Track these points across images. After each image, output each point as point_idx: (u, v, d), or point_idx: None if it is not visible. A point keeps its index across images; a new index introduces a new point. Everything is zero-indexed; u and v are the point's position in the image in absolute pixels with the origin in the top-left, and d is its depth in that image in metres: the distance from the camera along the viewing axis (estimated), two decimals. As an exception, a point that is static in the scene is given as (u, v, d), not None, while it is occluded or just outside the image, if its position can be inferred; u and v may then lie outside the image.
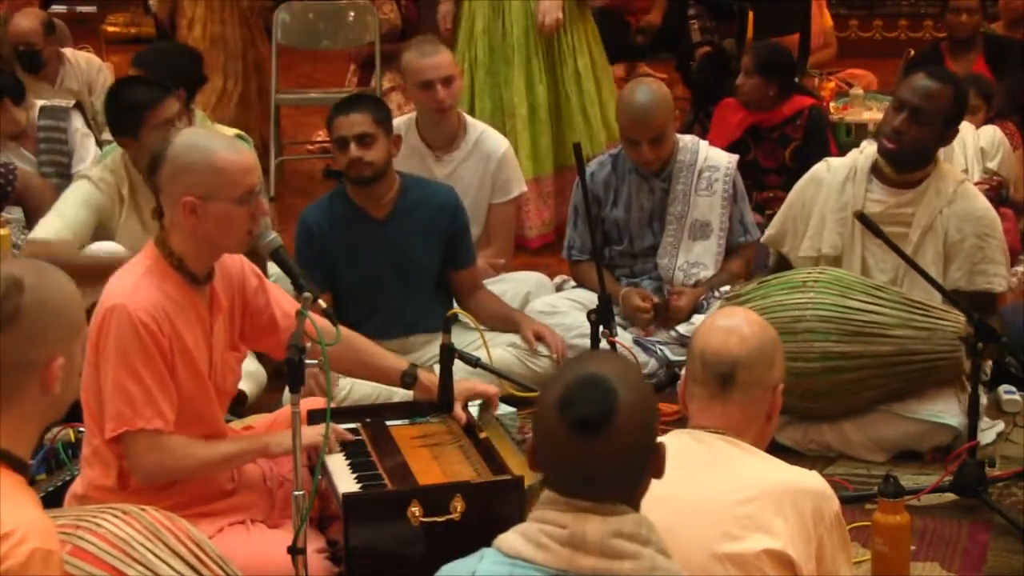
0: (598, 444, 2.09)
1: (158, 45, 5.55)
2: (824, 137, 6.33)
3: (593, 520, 2.09)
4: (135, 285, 3.15)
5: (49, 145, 5.73)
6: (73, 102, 5.96)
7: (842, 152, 5.33)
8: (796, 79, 6.71)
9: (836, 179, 4.56)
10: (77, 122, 5.82)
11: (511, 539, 2.13)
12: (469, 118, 5.36)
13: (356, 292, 4.63)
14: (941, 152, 4.48)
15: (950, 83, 4.40)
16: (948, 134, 4.45)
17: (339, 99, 4.76)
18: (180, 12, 7.20)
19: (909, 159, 4.42)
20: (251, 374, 4.46)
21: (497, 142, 5.38)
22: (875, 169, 4.51)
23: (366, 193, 4.59)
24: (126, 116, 4.54)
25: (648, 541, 2.11)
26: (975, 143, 5.97)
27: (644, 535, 2.11)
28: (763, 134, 6.28)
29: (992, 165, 5.97)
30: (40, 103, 5.87)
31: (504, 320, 4.78)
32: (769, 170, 6.27)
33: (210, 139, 3.26)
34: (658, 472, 2.20)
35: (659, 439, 2.21)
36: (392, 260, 4.62)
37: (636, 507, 2.16)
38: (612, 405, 2.09)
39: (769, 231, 4.81)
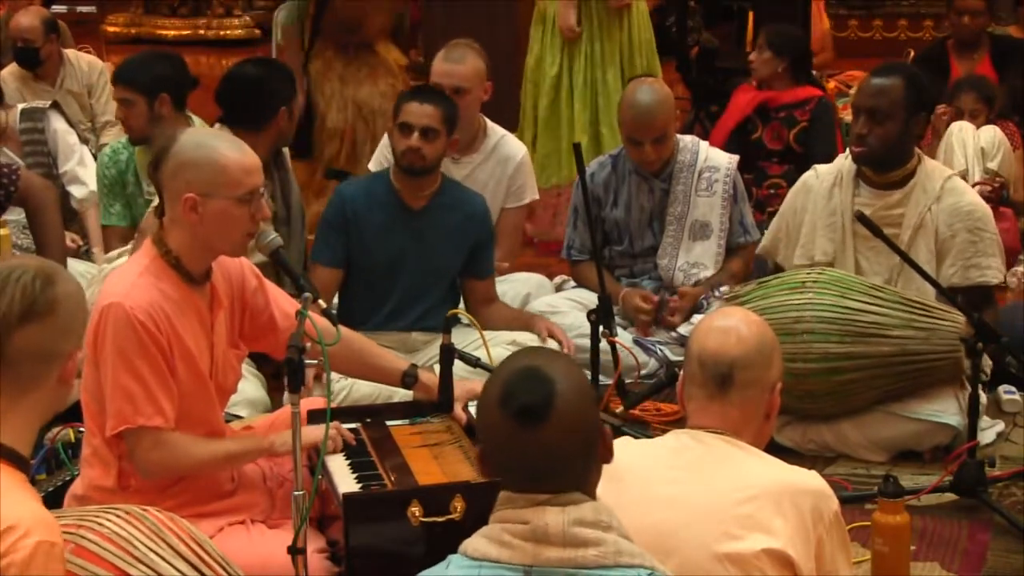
0: (543, 432, 2.13)
1: (138, 54, 5.47)
2: (830, 126, 6.38)
3: (552, 511, 2.13)
4: (132, 284, 3.15)
5: (31, 147, 5.71)
6: (49, 103, 5.94)
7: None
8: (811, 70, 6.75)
9: (824, 185, 4.56)
10: (56, 122, 5.78)
11: (475, 542, 2.17)
12: (490, 122, 5.37)
13: (372, 274, 4.67)
14: (941, 153, 4.46)
15: (898, 73, 4.40)
16: (915, 122, 4.41)
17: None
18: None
19: (882, 158, 4.41)
20: (251, 402, 4.39)
21: (515, 148, 5.38)
22: (860, 173, 4.50)
23: (409, 182, 4.64)
24: (271, 100, 4.63)
25: (609, 527, 2.14)
26: (975, 143, 5.97)
27: (605, 521, 2.14)
28: (771, 113, 6.33)
29: (992, 165, 5.96)
30: (21, 106, 5.85)
31: (517, 322, 4.79)
32: (773, 152, 6.29)
33: (215, 138, 3.27)
34: (607, 456, 2.24)
35: (604, 424, 2.25)
36: (415, 251, 4.65)
37: (592, 495, 2.19)
38: (551, 392, 2.14)
39: (764, 242, 4.82)
